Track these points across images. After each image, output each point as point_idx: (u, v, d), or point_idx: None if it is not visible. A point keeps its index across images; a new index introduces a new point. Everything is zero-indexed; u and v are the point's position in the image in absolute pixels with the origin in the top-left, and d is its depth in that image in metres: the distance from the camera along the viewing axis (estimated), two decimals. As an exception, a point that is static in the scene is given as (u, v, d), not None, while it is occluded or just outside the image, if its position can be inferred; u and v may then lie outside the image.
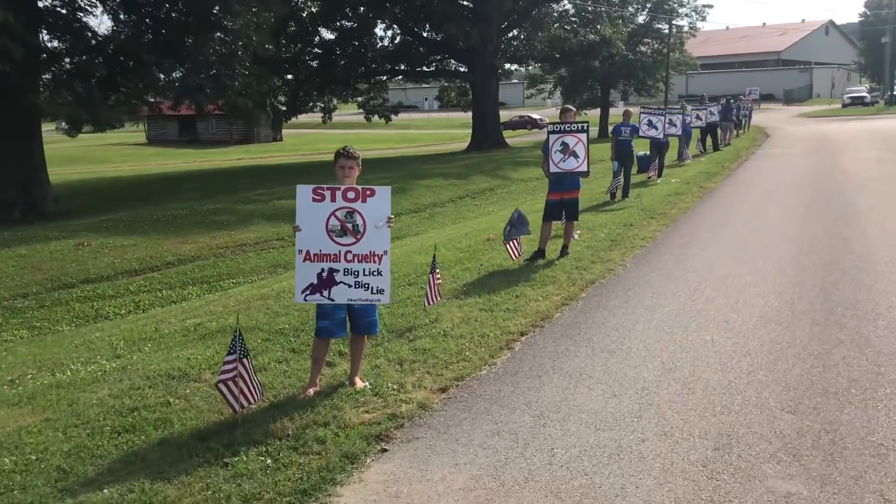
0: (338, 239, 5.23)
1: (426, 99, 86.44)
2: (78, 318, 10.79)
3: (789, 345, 6.00)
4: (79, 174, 36.88)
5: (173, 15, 19.37)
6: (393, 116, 43.64)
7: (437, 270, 7.02)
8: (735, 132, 31.32)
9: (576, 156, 9.56)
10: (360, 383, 5.39)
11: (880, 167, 17.99)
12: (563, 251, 9.78)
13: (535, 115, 62.62)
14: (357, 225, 5.24)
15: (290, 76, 36.79)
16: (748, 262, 8.95)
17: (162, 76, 20.10)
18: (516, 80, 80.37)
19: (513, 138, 43.88)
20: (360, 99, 42.90)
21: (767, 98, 74.53)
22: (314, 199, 5.22)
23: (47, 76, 20.29)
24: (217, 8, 18.53)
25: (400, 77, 40.34)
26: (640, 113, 16.30)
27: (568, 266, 9.07)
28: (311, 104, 40.95)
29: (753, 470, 4.02)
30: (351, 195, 5.23)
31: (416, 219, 18.08)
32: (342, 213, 5.23)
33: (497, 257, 9.76)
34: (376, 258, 5.27)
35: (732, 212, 12.88)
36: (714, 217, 12.40)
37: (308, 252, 5.23)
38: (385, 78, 39.61)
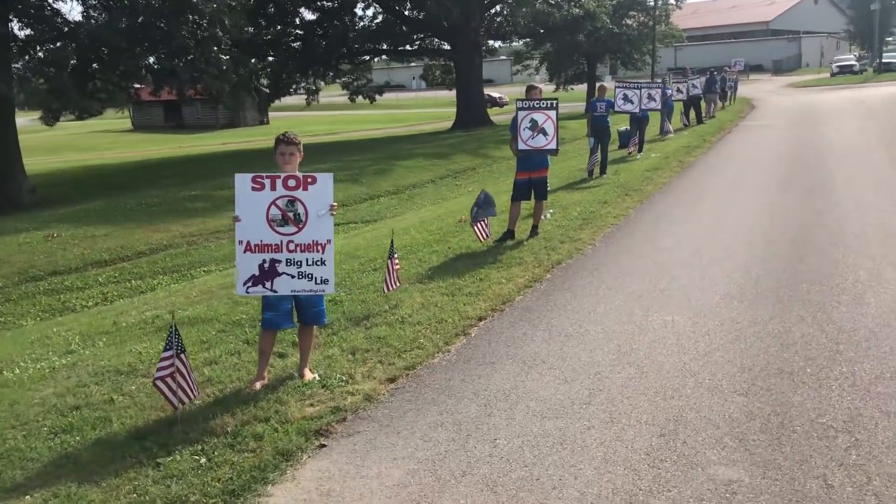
0: (279, 229, 5.09)
1: (414, 78, 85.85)
2: (44, 311, 10.64)
3: (750, 323, 5.89)
4: (61, 163, 36.49)
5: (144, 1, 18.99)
6: (378, 96, 43.28)
7: (396, 256, 6.89)
8: (720, 104, 31.17)
9: (545, 133, 9.39)
10: (308, 375, 5.27)
11: (861, 137, 17.86)
12: (533, 231, 9.65)
13: (496, 94, 62.85)
14: (299, 214, 5.09)
15: (271, 58, 36.32)
16: (718, 239, 8.84)
17: (138, 63, 19.72)
18: (504, 57, 79.99)
19: (498, 116, 43.56)
20: (343, 80, 42.44)
21: (756, 69, 74.17)
22: (254, 188, 5.07)
23: (18, 65, 19.94)
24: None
25: (383, 57, 39.83)
26: (615, 87, 16.10)
27: (536, 246, 8.95)
28: (294, 86, 40.53)
29: (697, 457, 3.92)
30: (292, 183, 5.08)
31: (394, 200, 17.90)
32: (283, 201, 5.08)
33: (467, 239, 9.62)
34: (319, 247, 5.14)
35: (708, 186, 12.76)
36: (689, 193, 12.27)
37: (249, 243, 5.08)
38: (368, 58, 39.16)
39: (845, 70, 57.51)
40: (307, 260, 5.11)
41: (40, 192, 21.09)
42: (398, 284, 6.85)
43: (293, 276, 5.09)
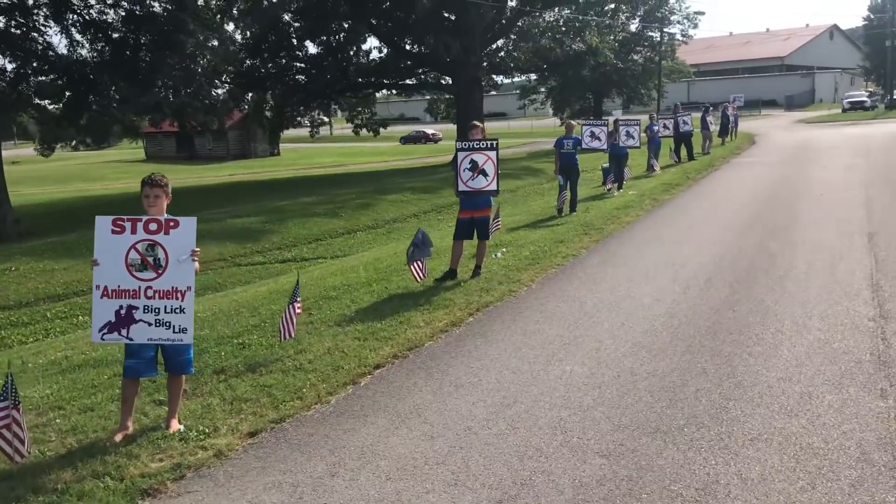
0: (138, 273, 4.92)
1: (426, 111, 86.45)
2: (-23, 348, 10.54)
3: (647, 375, 5.64)
4: (64, 193, 36.87)
5: (129, 36, 19.18)
6: (382, 129, 43.56)
7: (298, 300, 6.69)
8: (721, 140, 30.97)
9: (485, 174, 9.25)
10: (175, 426, 5.07)
11: (845, 175, 17.54)
12: (476, 271, 9.45)
13: (430, 131, 64.43)
14: (158, 259, 4.93)
15: (272, 91, 36.64)
16: (656, 282, 8.58)
17: (118, 96, 19.87)
18: (517, 91, 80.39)
19: (508, 149, 43.55)
20: (347, 113, 42.79)
21: (769, 104, 74.00)
22: (114, 231, 4.92)
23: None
24: (172, 28, 18.33)
25: (384, 91, 40.04)
26: (582, 125, 15.94)
27: (473, 287, 8.74)
28: (298, 119, 40.87)
29: (525, 528, 3.67)
30: (153, 227, 4.93)
31: (370, 235, 17.76)
32: (143, 245, 4.92)
33: (408, 278, 9.42)
34: (179, 294, 4.96)
35: (670, 226, 12.51)
36: (649, 232, 12.02)
37: (106, 288, 4.92)
38: (370, 91, 39.39)
39: (856, 106, 57.14)
40: (165, 307, 4.94)
41: (29, 224, 21.19)
42: (293, 334, 6.62)
43: (150, 324, 4.91)
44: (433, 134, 59.96)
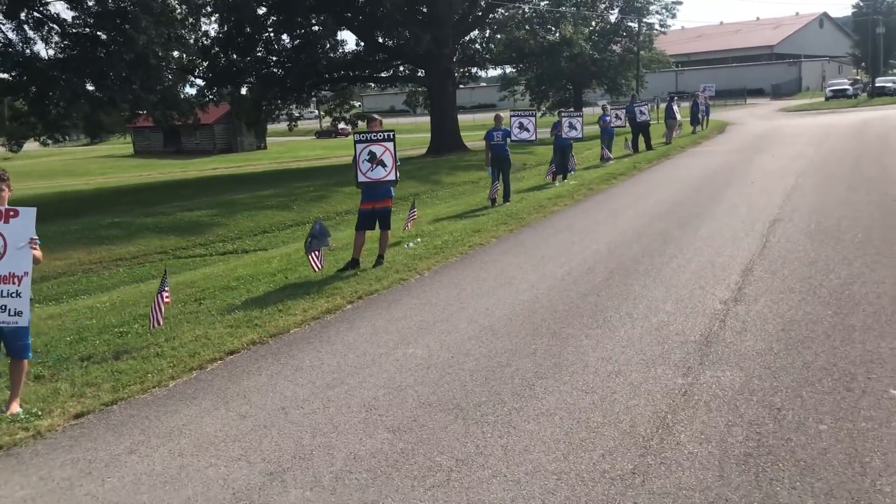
0: (-26, 260, 5.17)
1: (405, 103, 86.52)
2: None
3: (479, 357, 5.88)
4: (44, 189, 37.03)
5: (85, 31, 19.39)
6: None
7: (167, 290, 6.95)
8: (692, 129, 31.14)
9: (383, 164, 9.50)
10: (15, 408, 5.33)
11: (789, 163, 17.73)
12: (378, 260, 9.71)
13: (341, 125, 64.39)
14: (-5, 246, 5.18)
15: (248, 85, 36.83)
16: (543, 269, 8.82)
17: (73, 91, 20.07)
18: (496, 84, 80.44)
19: (471, 142, 43.75)
20: (325, 106, 42.97)
21: (756, 93, 74.05)
22: (-48, 222, 5.17)
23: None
24: (126, 24, 18.53)
25: (357, 84, 40.17)
26: (511, 116, 16.14)
27: (369, 276, 9.00)
28: (276, 113, 41.06)
29: (275, 496, 3.92)
30: (-9, 217, 5.18)
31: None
32: (-20, 234, 5.17)
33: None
34: (16, 279, 5.22)
35: (589, 216, 12.73)
36: (565, 222, 12.25)
37: (-57, 274, 5.17)
38: (345, 85, 39.54)
39: (839, 94, 57.18)
40: (3, 292, 5.20)
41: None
42: (161, 322, 6.87)
43: (-15, 308, 5.17)
44: (342, 129, 60.41)
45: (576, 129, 17.40)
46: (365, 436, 4.60)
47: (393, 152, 9.48)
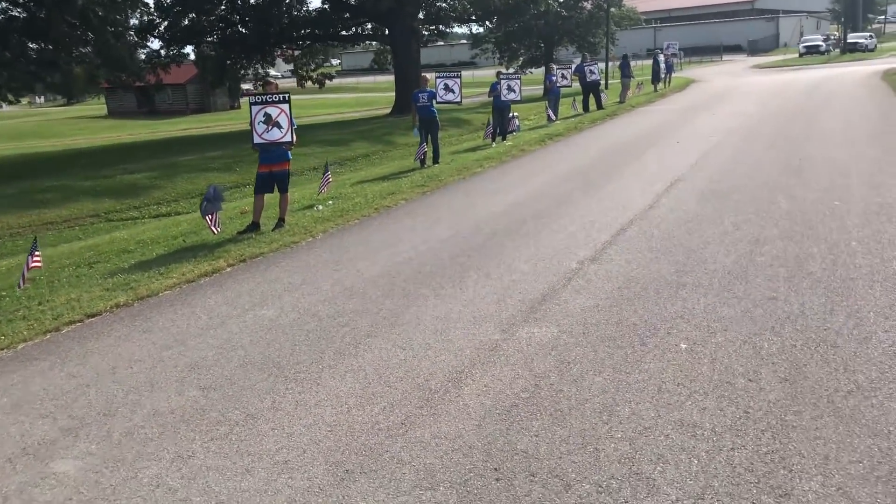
0: None
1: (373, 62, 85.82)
2: None
3: (324, 318, 6.09)
4: (6, 150, 36.81)
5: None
6: (328, 81, 43.49)
7: (37, 254, 7.12)
8: (654, 87, 31.19)
9: (279, 126, 9.65)
10: None
11: (726, 121, 17.93)
12: (279, 223, 9.89)
13: (246, 86, 63.84)
14: None
15: (210, 45, 36.51)
16: (431, 232, 9.03)
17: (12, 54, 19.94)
18: (464, 41, 79.85)
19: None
20: (293, 65, 42.66)
21: (734, 49, 73.82)
22: None
23: None
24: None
25: (322, 42, 39.84)
26: (437, 78, 16.19)
27: (263, 239, 9.17)
28: (241, 73, 40.77)
29: (61, 449, 4.16)
30: None
31: (248, 191, 18.13)
32: None
33: (223, 232, 9.84)
34: None
35: (505, 177, 12.91)
36: (476, 185, 12.44)
37: None
38: (308, 43, 39.22)
39: (812, 51, 57.18)
40: None
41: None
42: (24, 284, 7.07)
43: None
44: (247, 90, 60.05)
45: (514, 91, 17.48)
46: (175, 394, 4.84)
47: (289, 114, 9.62)
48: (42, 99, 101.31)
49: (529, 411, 4.25)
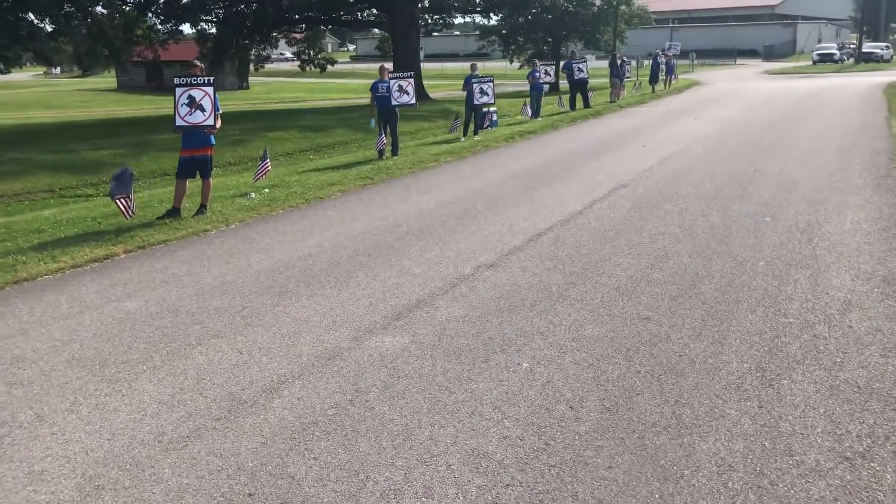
0: None
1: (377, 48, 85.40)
2: None
3: (184, 314, 5.86)
4: (7, 120, 36.77)
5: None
6: (329, 66, 43.29)
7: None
8: (651, 88, 30.78)
9: (202, 109, 9.42)
10: None
11: (703, 127, 17.56)
12: (200, 209, 9.68)
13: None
14: None
15: (207, 24, 36.35)
16: (343, 227, 8.78)
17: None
18: (477, 32, 79.36)
19: (440, 92, 43.26)
20: (294, 48, 42.47)
21: (749, 54, 73.01)
22: None
23: None
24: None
25: (319, 26, 39.58)
26: (390, 77, 15.72)
27: (177, 226, 8.95)
28: (241, 53, 40.63)
29: None
30: None
31: (223, 172, 17.84)
32: None
33: (149, 215, 9.65)
34: None
35: (448, 175, 12.59)
36: (420, 180, 12.11)
37: None
38: (306, 27, 38.97)
39: (825, 59, 56.37)
40: None
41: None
42: None
43: None
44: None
45: (487, 94, 17.19)
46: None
47: (213, 97, 9.38)
48: (58, 70, 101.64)
49: (325, 431, 3.99)
